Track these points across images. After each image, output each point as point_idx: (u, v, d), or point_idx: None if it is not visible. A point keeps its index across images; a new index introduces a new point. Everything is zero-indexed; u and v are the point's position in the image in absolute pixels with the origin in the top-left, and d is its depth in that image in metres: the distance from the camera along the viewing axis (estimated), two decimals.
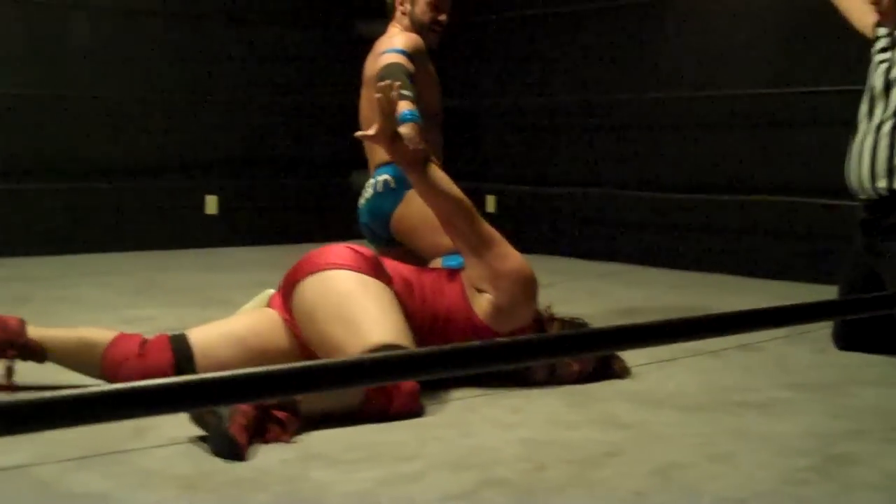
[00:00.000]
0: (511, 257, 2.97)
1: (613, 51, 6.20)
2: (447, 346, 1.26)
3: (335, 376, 1.15)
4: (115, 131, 6.35)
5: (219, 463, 2.20)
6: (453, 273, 3.05)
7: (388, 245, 3.58)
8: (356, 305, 2.76)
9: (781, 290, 5.02)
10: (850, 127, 3.62)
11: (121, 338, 2.87)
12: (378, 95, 2.87)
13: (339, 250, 2.92)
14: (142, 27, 6.42)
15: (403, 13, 3.72)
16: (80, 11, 6.21)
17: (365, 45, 7.09)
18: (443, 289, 3.00)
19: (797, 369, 3.33)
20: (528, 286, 2.97)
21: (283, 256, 6.34)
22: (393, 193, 3.49)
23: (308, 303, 2.83)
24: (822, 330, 3.92)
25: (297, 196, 7.12)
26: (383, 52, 3.52)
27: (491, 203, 6.55)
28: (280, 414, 2.42)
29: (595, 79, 6.30)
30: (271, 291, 3.20)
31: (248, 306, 3.28)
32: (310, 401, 2.48)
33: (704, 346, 3.61)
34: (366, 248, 3.01)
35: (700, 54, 5.79)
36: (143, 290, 4.83)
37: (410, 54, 3.50)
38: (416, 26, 3.67)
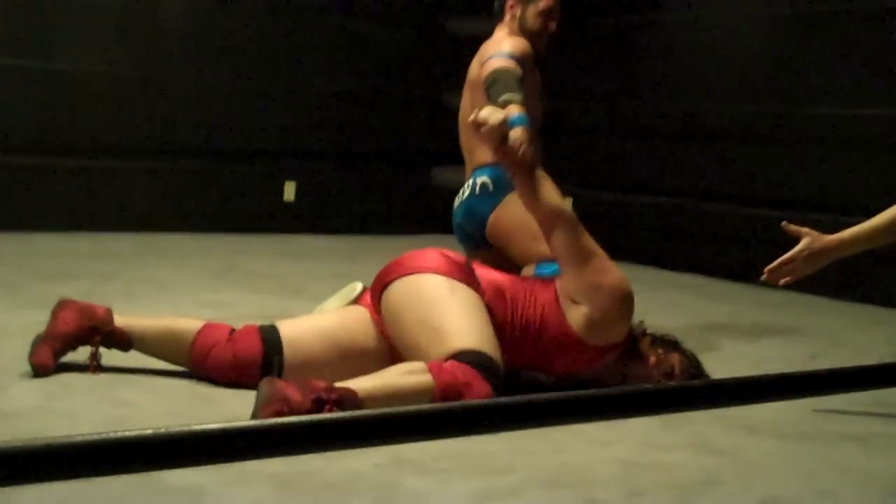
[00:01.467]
0: (610, 272, 2.90)
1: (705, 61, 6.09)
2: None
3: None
4: (202, 114, 6.36)
5: (314, 463, 2.17)
6: (547, 282, 2.99)
7: (479, 248, 3.54)
8: (442, 310, 2.72)
9: (872, 315, 4.88)
10: None
11: (209, 327, 2.87)
12: (471, 119, 2.81)
13: (431, 255, 2.88)
14: (235, 13, 6.42)
15: (513, 17, 3.65)
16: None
17: (454, 41, 7.27)
18: (536, 297, 2.94)
19: (891, 400, 3.22)
20: (625, 302, 2.89)
21: (358, 247, 6.43)
22: (491, 196, 3.45)
23: (396, 305, 2.80)
24: None
25: (375, 188, 7.08)
26: (491, 57, 3.46)
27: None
28: (336, 410, 2.37)
29: (682, 87, 6.19)
30: (358, 285, 3.17)
31: (331, 299, 3.26)
32: (373, 398, 2.44)
33: (793, 365, 3.52)
34: (457, 254, 2.97)
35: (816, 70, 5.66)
36: (222, 275, 4.83)
37: (519, 59, 3.44)
38: (526, 34, 3.61)
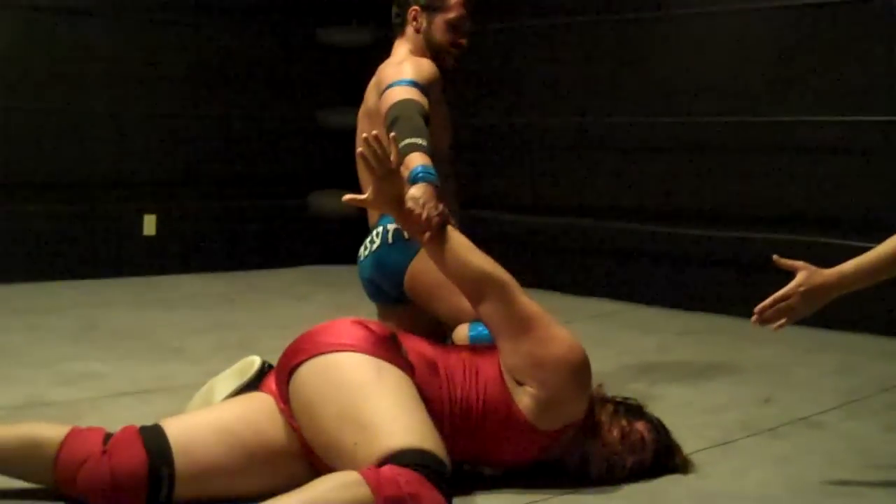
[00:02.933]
0: (555, 341, 2.40)
1: (605, 69, 5.69)
2: None
3: None
4: (43, 145, 5.64)
5: None
6: (488, 352, 2.48)
7: (395, 304, 3.00)
8: (369, 400, 2.18)
9: (809, 340, 4.55)
10: None
11: (76, 433, 2.26)
12: (361, 150, 2.31)
13: (347, 327, 2.34)
14: (75, 29, 5.70)
15: (417, 30, 3.11)
16: (3, 10, 5.50)
17: (326, 55, 6.72)
18: (477, 373, 2.43)
19: (880, 455, 2.84)
20: (577, 377, 2.40)
21: (234, 287, 5.79)
22: (407, 245, 2.88)
23: (309, 394, 2.24)
24: (878, 397, 3.48)
25: (246, 218, 6.46)
26: (390, 86, 2.91)
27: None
28: None
29: (573, 100, 5.79)
30: (256, 360, 2.62)
31: (223, 380, 2.69)
32: None
33: (757, 421, 3.13)
34: (378, 324, 2.43)
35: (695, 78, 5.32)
36: (82, 336, 4.18)
37: (424, 86, 2.91)
38: (432, 49, 3.09)
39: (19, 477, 2.25)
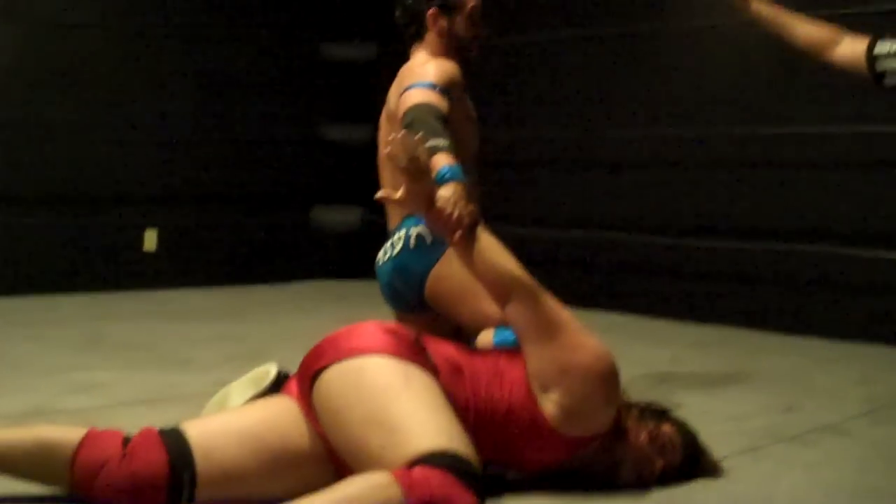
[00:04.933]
0: (582, 348, 2.33)
1: (608, 83, 5.66)
2: None
3: None
4: (44, 158, 5.58)
5: None
6: (513, 355, 2.41)
7: (415, 311, 2.92)
8: (396, 403, 2.11)
9: (817, 349, 4.49)
10: None
11: (94, 436, 2.18)
12: (389, 150, 2.26)
13: (371, 331, 2.27)
14: (76, 42, 5.66)
15: (440, 34, 3.03)
16: (4, 23, 5.45)
17: (329, 69, 6.66)
18: (503, 376, 2.36)
19: None
20: (605, 385, 2.33)
21: (238, 301, 5.72)
22: (429, 250, 2.81)
23: (335, 399, 2.17)
24: None
25: (248, 232, 6.39)
26: (410, 87, 2.85)
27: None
28: None
29: (582, 113, 5.75)
30: (272, 369, 2.54)
31: (237, 388, 2.62)
32: None
33: (781, 429, 3.07)
34: (403, 328, 2.36)
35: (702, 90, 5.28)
36: (88, 347, 4.11)
37: (445, 88, 2.85)
38: (459, 46, 3.03)
39: (34, 480, 2.17)
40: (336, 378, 2.19)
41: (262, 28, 6.36)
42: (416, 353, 2.26)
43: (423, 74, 2.89)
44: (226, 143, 6.26)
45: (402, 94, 2.87)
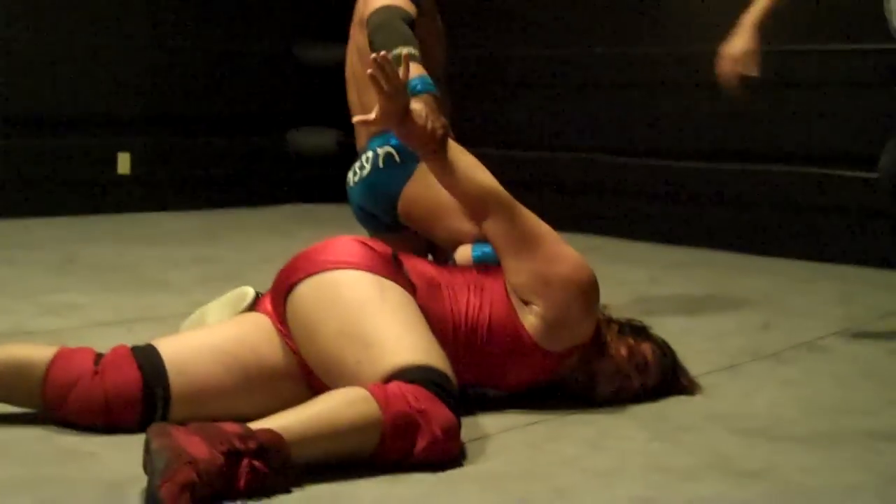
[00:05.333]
0: (562, 259, 2.31)
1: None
2: None
3: None
4: (10, 82, 5.46)
5: None
6: (493, 271, 2.39)
7: (388, 231, 2.86)
8: (372, 317, 2.08)
9: (794, 269, 4.49)
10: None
11: (65, 354, 2.14)
12: (371, 72, 2.18)
13: (347, 245, 2.23)
14: None
15: None
16: None
17: None
18: (482, 294, 2.33)
19: (889, 376, 2.81)
20: (584, 295, 2.31)
21: (214, 224, 5.66)
22: (400, 168, 2.75)
23: (308, 313, 2.14)
24: (879, 322, 3.44)
25: (223, 156, 6.31)
26: None
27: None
28: (258, 463, 1.75)
29: (566, 30, 5.67)
30: (249, 291, 2.51)
31: (212, 309, 2.60)
32: (304, 442, 1.82)
33: (759, 347, 3.07)
34: (379, 243, 2.32)
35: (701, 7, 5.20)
36: (62, 269, 4.06)
37: None
38: None
39: (3, 400, 2.13)
40: (310, 292, 2.16)
41: None
42: (392, 270, 2.23)
43: None
44: (200, 64, 6.15)
45: None
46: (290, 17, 6.44)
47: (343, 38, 3.02)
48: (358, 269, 2.17)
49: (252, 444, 1.76)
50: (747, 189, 4.99)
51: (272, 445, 1.78)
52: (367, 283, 2.15)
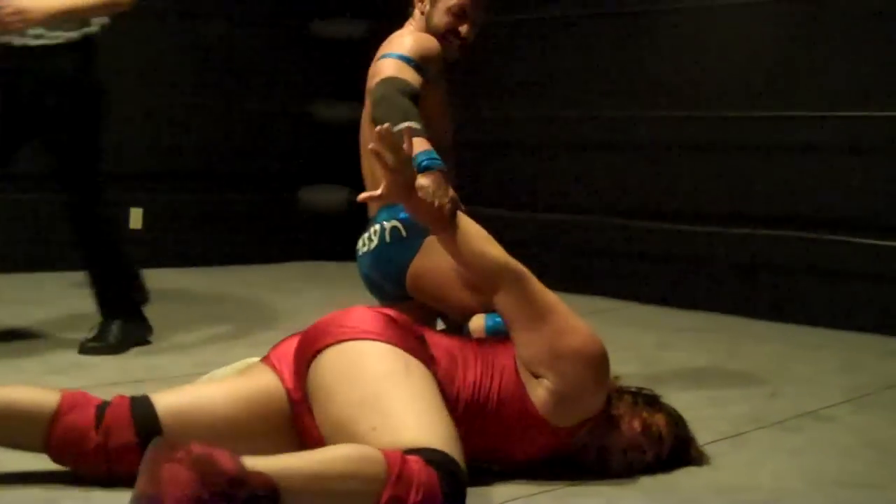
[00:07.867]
0: (573, 332, 2.30)
1: (604, 64, 5.63)
2: None
3: None
4: None
5: None
6: (503, 344, 2.39)
7: (395, 301, 2.85)
8: (395, 390, 2.08)
9: (800, 336, 4.49)
10: None
11: (68, 407, 2.17)
12: (372, 147, 2.21)
13: (368, 316, 2.23)
14: None
15: (422, 13, 3.01)
16: None
17: (319, 46, 6.60)
18: (492, 366, 2.33)
19: (894, 447, 2.79)
20: (595, 369, 2.31)
21: (222, 281, 5.68)
22: (406, 243, 2.78)
23: (331, 379, 2.13)
24: (884, 393, 3.44)
25: (235, 212, 6.35)
26: (383, 57, 2.81)
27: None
28: None
29: (573, 96, 5.72)
30: (255, 362, 2.52)
31: (219, 375, 2.62)
32: (299, 497, 1.81)
33: (765, 415, 3.06)
34: (399, 314, 2.31)
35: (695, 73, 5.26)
36: (71, 325, 4.07)
37: (419, 64, 2.79)
38: (432, 33, 2.97)
39: (5, 445, 2.17)
40: (336, 356, 2.15)
41: (252, 4, 6.31)
42: (415, 344, 2.23)
43: (399, 45, 2.84)
44: (214, 121, 6.22)
45: (375, 62, 2.84)
46: (304, 75, 6.52)
47: (357, 96, 3.06)
48: (384, 341, 2.17)
49: (242, 494, 1.74)
50: (756, 253, 5.01)
51: (264, 495, 1.76)
52: (393, 356, 2.15)
